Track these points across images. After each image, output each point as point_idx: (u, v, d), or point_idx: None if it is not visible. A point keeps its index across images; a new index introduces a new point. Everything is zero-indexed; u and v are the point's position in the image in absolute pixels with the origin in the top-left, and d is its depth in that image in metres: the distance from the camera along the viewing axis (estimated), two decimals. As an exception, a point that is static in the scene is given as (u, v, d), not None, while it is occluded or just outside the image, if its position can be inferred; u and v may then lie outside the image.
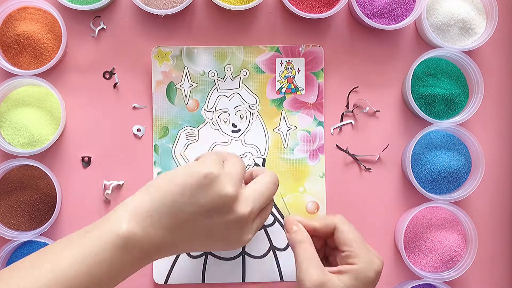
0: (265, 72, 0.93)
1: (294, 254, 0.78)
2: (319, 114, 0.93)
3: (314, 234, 0.80)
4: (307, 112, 0.93)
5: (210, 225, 0.73)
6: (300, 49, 0.93)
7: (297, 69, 0.93)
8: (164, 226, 0.71)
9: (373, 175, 0.94)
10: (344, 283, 0.74)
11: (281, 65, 0.93)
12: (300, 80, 0.93)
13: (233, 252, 0.92)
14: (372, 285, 0.76)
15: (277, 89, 0.93)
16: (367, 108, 0.94)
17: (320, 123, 0.93)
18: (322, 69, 0.93)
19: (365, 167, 0.94)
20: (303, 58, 0.93)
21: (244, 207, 0.73)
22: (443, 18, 0.91)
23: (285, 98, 0.93)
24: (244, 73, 0.93)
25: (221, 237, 0.75)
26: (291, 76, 0.93)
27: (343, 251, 0.77)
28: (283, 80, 0.93)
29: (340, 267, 0.76)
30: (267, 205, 0.79)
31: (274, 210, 0.92)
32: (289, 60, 0.93)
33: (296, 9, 0.89)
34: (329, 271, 0.75)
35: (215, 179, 0.72)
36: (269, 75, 0.93)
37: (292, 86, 0.93)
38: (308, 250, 0.77)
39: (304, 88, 0.93)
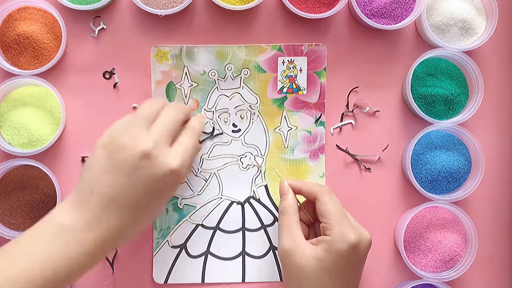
0: (266, 71, 0.93)
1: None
2: (321, 114, 0.93)
3: (300, 194, 0.86)
4: (308, 112, 0.93)
5: (133, 181, 0.73)
6: (303, 48, 0.92)
7: (299, 69, 0.92)
8: (92, 208, 0.73)
9: (373, 175, 0.94)
10: (315, 253, 0.78)
11: (283, 64, 0.92)
12: (302, 80, 0.93)
13: (233, 252, 0.92)
14: (346, 258, 0.78)
15: (278, 89, 0.93)
16: (367, 108, 0.94)
17: (321, 123, 0.93)
18: (324, 69, 0.93)
19: (365, 167, 0.94)
20: (306, 57, 0.93)
21: (144, 143, 0.74)
22: (443, 18, 0.91)
23: (286, 98, 0.93)
24: (245, 73, 0.92)
25: (149, 183, 0.74)
26: (293, 76, 0.92)
27: (321, 222, 0.81)
28: (285, 79, 0.92)
29: (318, 238, 0.80)
30: (183, 131, 0.81)
31: (274, 210, 0.93)
32: (291, 59, 0.92)
33: (296, 9, 0.89)
34: (309, 242, 0.80)
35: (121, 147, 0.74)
36: (270, 74, 0.93)
37: (294, 86, 0.93)
38: (287, 220, 0.82)
39: (306, 87, 0.93)
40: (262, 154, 0.93)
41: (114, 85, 0.93)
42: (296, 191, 0.86)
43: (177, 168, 0.75)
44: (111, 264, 0.92)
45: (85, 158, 0.92)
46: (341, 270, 0.78)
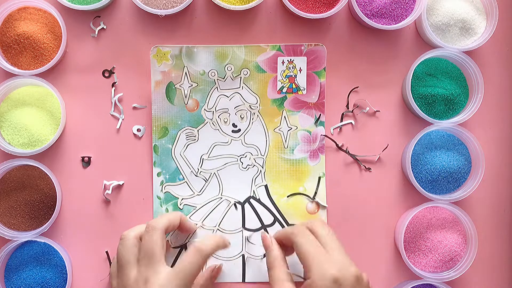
0: (266, 71, 0.92)
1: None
2: (321, 114, 0.93)
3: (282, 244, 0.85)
4: (308, 112, 0.93)
5: None
6: (303, 48, 0.92)
7: (298, 68, 0.92)
8: None
9: (373, 175, 0.94)
10: None
11: (283, 64, 0.92)
12: (301, 80, 0.93)
13: (233, 252, 0.92)
14: None
15: (278, 89, 0.93)
16: (367, 108, 0.94)
17: (321, 123, 0.93)
18: (324, 68, 0.93)
19: (365, 167, 0.94)
20: (305, 57, 0.92)
21: None
22: (443, 18, 0.91)
23: (286, 98, 0.93)
24: (245, 73, 0.92)
25: None
26: (293, 76, 0.92)
27: (302, 265, 0.79)
28: (285, 79, 0.92)
29: (304, 284, 0.78)
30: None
31: (274, 210, 0.93)
32: (290, 59, 0.92)
33: (296, 9, 0.89)
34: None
35: None
36: (270, 74, 0.93)
37: (294, 86, 0.92)
38: (276, 274, 0.81)
39: (305, 87, 0.93)
40: (262, 154, 0.93)
41: (113, 84, 0.93)
42: (278, 242, 0.85)
43: None
44: (111, 263, 0.92)
45: (84, 158, 0.92)
46: None
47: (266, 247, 0.85)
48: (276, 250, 0.83)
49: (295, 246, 0.80)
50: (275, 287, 0.80)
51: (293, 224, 0.92)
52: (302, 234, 0.80)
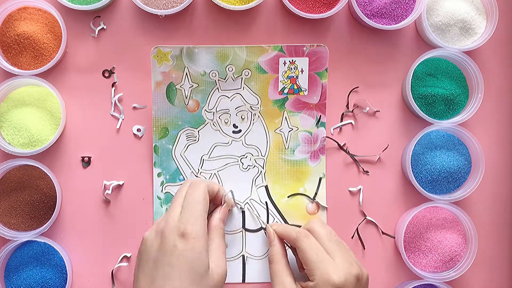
0: (267, 72, 0.92)
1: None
2: (322, 115, 0.93)
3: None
4: (309, 113, 0.93)
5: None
6: (305, 48, 0.92)
7: (300, 69, 0.92)
8: None
9: (373, 175, 0.94)
10: None
11: (284, 65, 0.92)
12: (303, 81, 0.92)
13: (233, 252, 0.92)
14: None
15: (279, 90, 0.92)
16: (367, 108, 0.94)
17: (322, 124, 0.93)
18: (326, 69, 0.93)
19: (363, 169, 0.94)
20: (307, 58, 0.92)
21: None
22: (443, 18, 0.91)
23: (287, 99, 0.93)
24: (246, 73, 0.92)
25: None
26: (294, 77, 0.92)
27: (304, 268, 0.81)
28: (286, 80, 0.92)
29: (305, 283, 0.80)
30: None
31: (274, 210, 0.93)
32: (292, 60, 0.92)
33: (296, 9, 0.89)
34: (302, 286, 0.80)
35: None
36: (271, 75, 0.92)
37: (295, 87, 0.92)
38: (276, 268, 0.83)
39: (307, 88, 0.93)
40: (263, 154, 0.93)
41: (113, 84, 0.93)
42: (279, 237, 0.87)
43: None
44: (113, 281, 0.92)
45: (84, 158, 0.92)
46: None
47: (269, 241, 0.87)
48: (277, 246, 0.85)
49: (298, 250, 0.81)
50: (275, 280, 0.82)
51: (294, 225, 0.92)
52: (304, 238, 0.81)
